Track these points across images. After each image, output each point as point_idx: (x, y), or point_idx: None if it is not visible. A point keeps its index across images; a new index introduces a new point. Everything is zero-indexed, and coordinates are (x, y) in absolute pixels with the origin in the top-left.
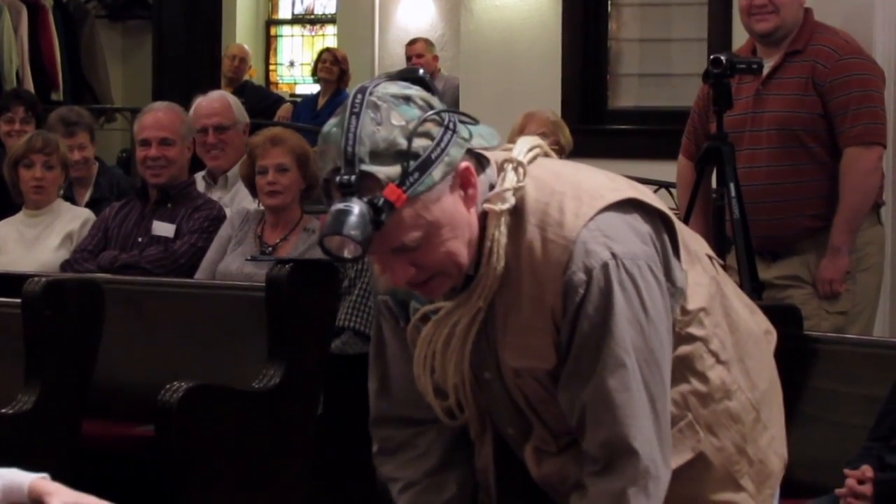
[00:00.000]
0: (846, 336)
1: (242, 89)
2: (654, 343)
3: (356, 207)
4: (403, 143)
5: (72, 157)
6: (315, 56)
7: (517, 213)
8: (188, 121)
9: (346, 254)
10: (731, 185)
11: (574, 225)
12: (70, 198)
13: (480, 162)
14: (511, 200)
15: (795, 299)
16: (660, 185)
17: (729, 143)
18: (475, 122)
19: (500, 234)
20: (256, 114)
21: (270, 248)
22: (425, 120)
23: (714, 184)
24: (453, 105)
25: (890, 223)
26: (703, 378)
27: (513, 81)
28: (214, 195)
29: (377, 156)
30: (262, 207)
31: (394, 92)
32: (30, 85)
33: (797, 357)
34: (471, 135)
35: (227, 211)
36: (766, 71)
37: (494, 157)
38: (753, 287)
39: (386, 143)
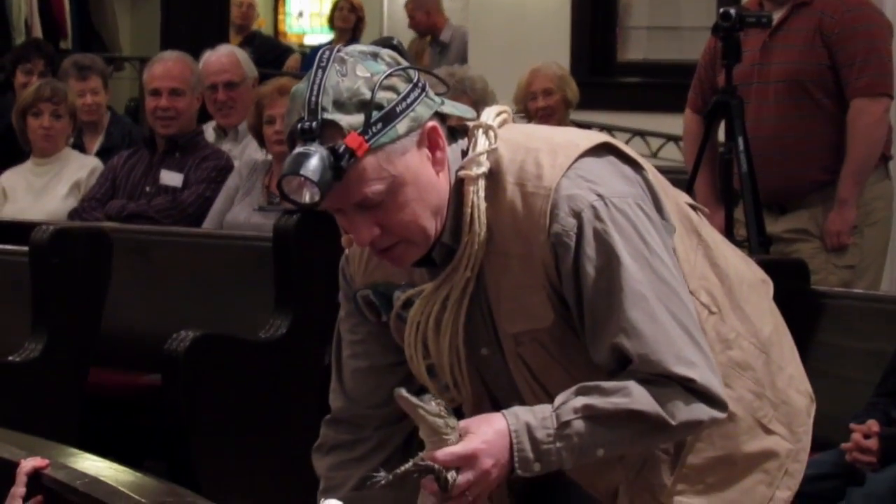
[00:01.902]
0: (853, 291)
1: (251, 39)
2: (665, 274)
3: (316, 152)
4: (367, 93)
5: (83, 102)
6: (328, 6)
7: (493, 176)
8: (197, 71)
9: (305, 198)
10: (740, 139)
11: (553, 175)
12: (79, 145)
13: (452, 133)
14: (486, 164)
15: (803, 253)
16: (667, 137)
17: (738, 96)
18: (448, 88)
19: (478, 199)
20: (265, 64)
21: (278, 198)
22: (391, 74)
23: (722, 137)
24: (462, 56)
25: None
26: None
27: (522, 33)
28: (224, 147)
29: (340, 105)
30: (269, 157)
31: (362, 49)
32: (38, 33)
33: (804, 311)
34: (442, 101)
35: (236, 163)
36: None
37: (464, 127)
38: (761, 241)
39: (349, 93)
